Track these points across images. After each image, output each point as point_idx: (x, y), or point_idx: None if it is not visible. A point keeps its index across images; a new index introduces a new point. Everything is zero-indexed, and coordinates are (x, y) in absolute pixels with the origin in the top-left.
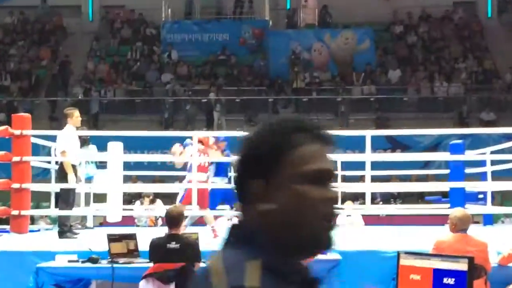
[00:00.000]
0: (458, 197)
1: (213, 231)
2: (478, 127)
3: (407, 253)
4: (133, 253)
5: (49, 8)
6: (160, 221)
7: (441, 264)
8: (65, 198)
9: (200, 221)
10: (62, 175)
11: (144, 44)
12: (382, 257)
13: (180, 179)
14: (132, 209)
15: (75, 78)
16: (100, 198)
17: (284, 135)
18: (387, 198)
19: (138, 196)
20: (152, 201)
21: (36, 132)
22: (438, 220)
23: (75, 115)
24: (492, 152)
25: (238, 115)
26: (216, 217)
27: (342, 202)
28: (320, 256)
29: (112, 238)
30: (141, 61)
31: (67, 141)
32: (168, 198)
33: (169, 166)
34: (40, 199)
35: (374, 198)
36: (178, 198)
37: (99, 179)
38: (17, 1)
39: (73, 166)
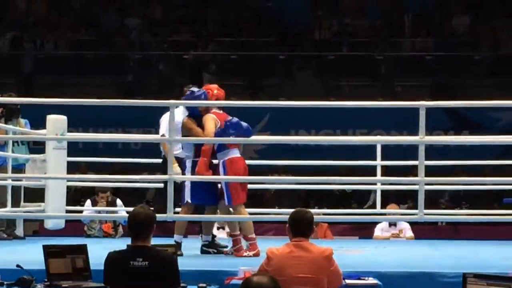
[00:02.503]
0: None
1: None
2: None
3: (477, 276)
4: (82, 273)
5: None
6: (120, 229)
7: None
8: None
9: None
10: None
11: None
12: (441, 282)
13: (149, 168)
14: (80, 212)
15: None
16: (35, 195)
17: None
18: (451, 199)
19: (90, 193)
20: (109, 200)
21: None
22: None
23: None
24: None
25: (234, 78)
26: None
27: (384, 206)
28: (352, 282)
29: (51, 252)
30: None
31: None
32: (132, 196)
33: (134, 150)
34: None
35: (432, 200)
36: (225, 196)
37: (32, 167)
38: None
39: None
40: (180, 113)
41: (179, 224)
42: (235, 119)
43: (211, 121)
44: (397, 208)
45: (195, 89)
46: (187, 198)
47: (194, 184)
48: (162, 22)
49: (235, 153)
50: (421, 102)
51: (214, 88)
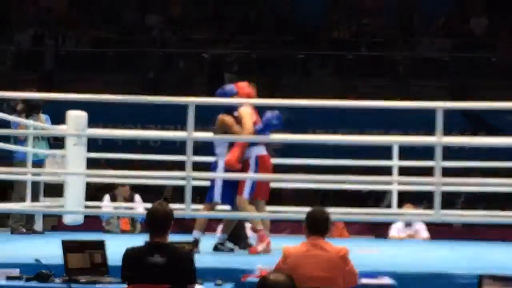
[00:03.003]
0: None
1: (260, 238)
2: None
3: (493, 277)
4: (100, 268)
5: None
6: (139, 226)
7: None
8: None
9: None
10: None
11: None
12: (457, 283)
13: (168, 165)
14: (99, 207)
15: (21, 19)
16: (54, 190)
17: None
18: (467, 200)
19: (109, 188)
20: (128, 197)
21: None
22: None
23: None
24: None
25: (252, 77)
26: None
27: (400, 205)
28: (367, 281)
29: (70, 247)
30: None
31: None
32: (151, 193)
33: (154, 147)
34: None
35: (448, 201)
36: (246, 189)
37: (52, 163)
38: None
39: None
40: None
41: (200, 220)
42: (276, 111)
43: (248, 116)
44: (413, 209)
45: (227, 86)
46: (217, 197)
47: (225, 183)
48: (182, 20)
49: (264, 151)
50: (439, 103)
51: (246, 86)
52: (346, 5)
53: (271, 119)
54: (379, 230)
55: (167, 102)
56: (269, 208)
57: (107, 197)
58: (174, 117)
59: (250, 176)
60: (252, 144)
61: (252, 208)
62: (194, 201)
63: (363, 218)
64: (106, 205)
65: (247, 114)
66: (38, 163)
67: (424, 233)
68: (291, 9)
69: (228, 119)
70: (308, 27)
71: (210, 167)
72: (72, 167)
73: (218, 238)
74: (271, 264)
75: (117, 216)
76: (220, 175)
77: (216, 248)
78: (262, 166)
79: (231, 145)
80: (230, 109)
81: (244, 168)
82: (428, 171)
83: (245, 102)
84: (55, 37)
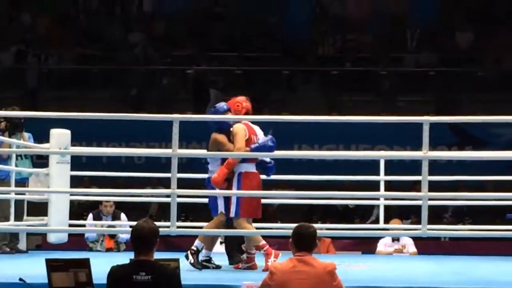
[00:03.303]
0: None
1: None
2: None
3: None
4: (85, 287)
5: None
6: (123, 245)
7: None
8: None
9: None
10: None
11: None
12: None
13: (152, 182)
14: (83, 226)
15: (3, 37)
16: (38, 209)
17: None
18: (454, 215)
19: (93, 207)
20: (112, 215)
21: None
22: None
23: None
24: None
25: (238, 93)
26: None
27: (387, 221)
28: None
29: (54, 266)
30: (99, 13)
31: None
32: (136, 210)
33: (138, 165)
34: None
35: (436, 215)
36: (232, 208)
37: (35, 181)
38: None
39: None
40: None
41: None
42: (270, 135)
43: (241, 131)
44: (400, 223)
45: (218, 104)
46: (221, 208)
47: (225, 197)
48: (165, 37)
49: (252, 168)
50: (425, 117)
51: (243, 101)
52: (330, 21)
53: (267, 141)
54: (366, 246)
55: (151, 119)
56: (255, 224)
57: (90, 216)
58: (158, 134)
59: (234, 192)
60: (242, 161)
61: (250, 226)
62: (179, 218)
63: (350, 233)
64: (90, 224)
65: (240, 129)
66: (22, 181)
67: (412, 247)
68: (276, 26)
69: (220, 137)
70: (293, 43)
71: (205, 183)
72: (56, 186)
73: (202, 255)
74: (258, 280)
75: (102, 234)
76: (205, 192)
77: (201, 266)
78: (247, 184)
79: (224, 161)
80: (222, 127)
81: (228, 186)
82: (415, 186)
83: (228, 118)
84: (38, 55)
